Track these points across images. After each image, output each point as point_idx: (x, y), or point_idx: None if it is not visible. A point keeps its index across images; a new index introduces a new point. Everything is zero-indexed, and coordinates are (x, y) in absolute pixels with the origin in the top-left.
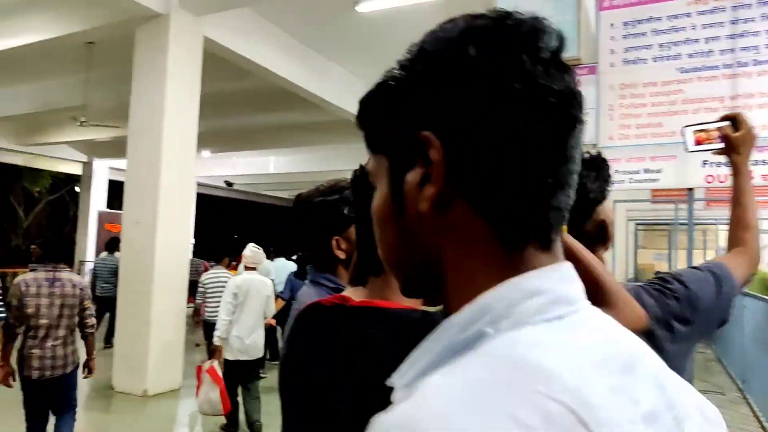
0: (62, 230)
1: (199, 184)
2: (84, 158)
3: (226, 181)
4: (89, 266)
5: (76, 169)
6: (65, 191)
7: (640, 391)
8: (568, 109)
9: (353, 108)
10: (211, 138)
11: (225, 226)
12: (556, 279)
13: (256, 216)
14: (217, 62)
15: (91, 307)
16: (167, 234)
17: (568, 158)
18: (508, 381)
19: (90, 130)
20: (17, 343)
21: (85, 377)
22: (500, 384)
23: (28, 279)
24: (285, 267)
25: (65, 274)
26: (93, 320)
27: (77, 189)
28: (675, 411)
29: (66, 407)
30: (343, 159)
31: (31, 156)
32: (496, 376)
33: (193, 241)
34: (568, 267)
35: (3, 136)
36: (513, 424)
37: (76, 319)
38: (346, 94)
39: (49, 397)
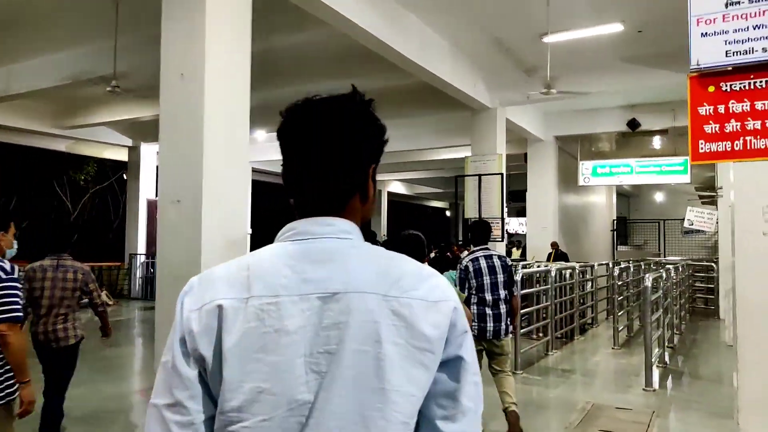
0: (111, 221)
1: (254, 170)
2: (130, 142)
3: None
4: (141, 259)
5: (122, 155)
6: (114, 179)
7: (314, 272)
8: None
9: (436, 68)
10: (266, 114)
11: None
12: (305, 223)
13: None
14: (272, 9)
15: (98, 289)
16: (218, 219)
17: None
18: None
19: (131, 106)
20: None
21: (102, 338)
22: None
23: (36, 266)
24: None
25: (69, 262)
26: (103, 298)
27: (125, 176)
28: (347, 294)
29: (62, 375)
30: (424, 135)
31: (73, 141)
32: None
33: (249, 231)
34: (327, 220)
35: (40, 119)
36: (225, 268)
37: (78, 299)
38: (428, 51)
39: (56, 363)
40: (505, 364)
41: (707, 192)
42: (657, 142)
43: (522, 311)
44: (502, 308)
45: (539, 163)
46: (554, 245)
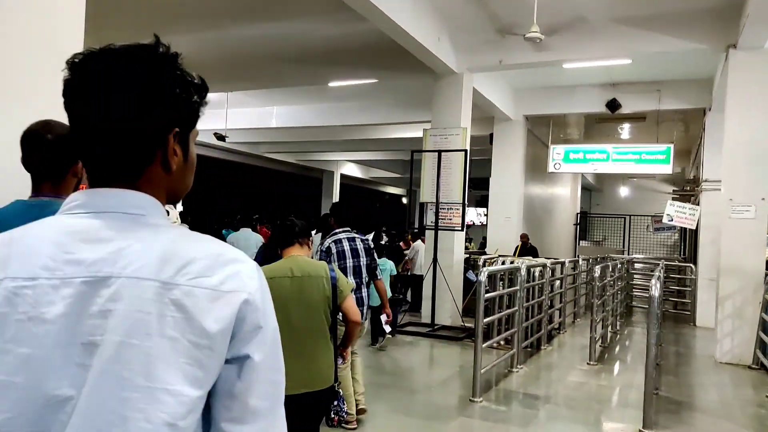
0: None
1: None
2: None
3: (216, 134)
4: None
5: None
6: None
7: (86, 252)
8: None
9: (393, 13)
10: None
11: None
12: (89, 194)
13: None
14: None
15: None
16: None
17: None
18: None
19: None
20: None
21: None
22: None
23: None
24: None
25: None
26: None
27: None
28: (119, 279)
29: None
30: (381, 108)
31: None
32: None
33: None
34: (115, 192)
35: None
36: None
37: None
38: None
39: None
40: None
41: (685, 187)
42: (638, 127)
43: (486, 320)
44: (364, 292)
45: (506, 145)
46: (524, 237)
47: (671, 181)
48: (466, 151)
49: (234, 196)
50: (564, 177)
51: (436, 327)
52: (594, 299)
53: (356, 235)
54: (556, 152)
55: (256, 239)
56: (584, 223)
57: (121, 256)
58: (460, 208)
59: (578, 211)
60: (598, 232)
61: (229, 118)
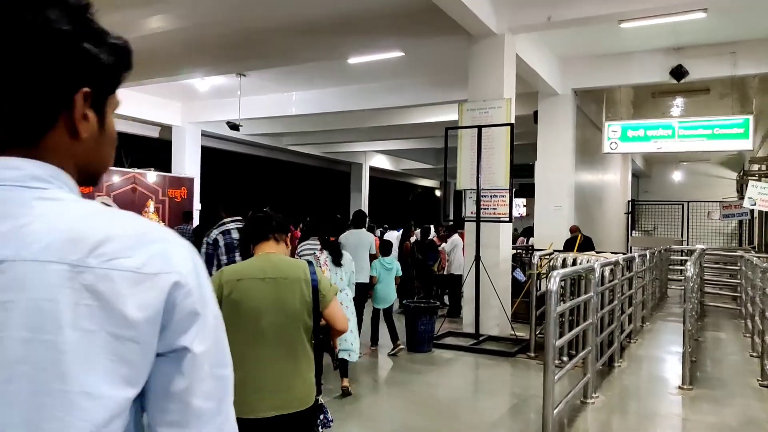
0: None
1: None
2: None
3: (229, 122)
4: None
5: None
6: None
7: None
8: None
9: None
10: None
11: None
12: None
13: (281, 176)
14: None
15: None
16: None
17: None
18: None
19: None
20: None
21: None
22: None
23: None
24: None
25: None
26: None
27: None
28: (15, 263)
29: None
30: (412, 88)
31: None
32: None
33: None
34: (10, 161)
35: None
36: None
37: None
38: None
39: None
40: None
41: (762, 166)
42: (709, 96)
43: (560, 340)
44: None
45: (553, 124)
46: (575, 229)
47: (728, 164)
48: (512, 125)
49: (261, 194)
50: (614, 161)
51: (481, 338)
52: (689, 301)
53: None
54: (612, 130)
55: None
56: (633, 212)
57: (16, 237)
58: (506, 195)
59: (629, 199)
60: (647, 221)
61: (244, 106)
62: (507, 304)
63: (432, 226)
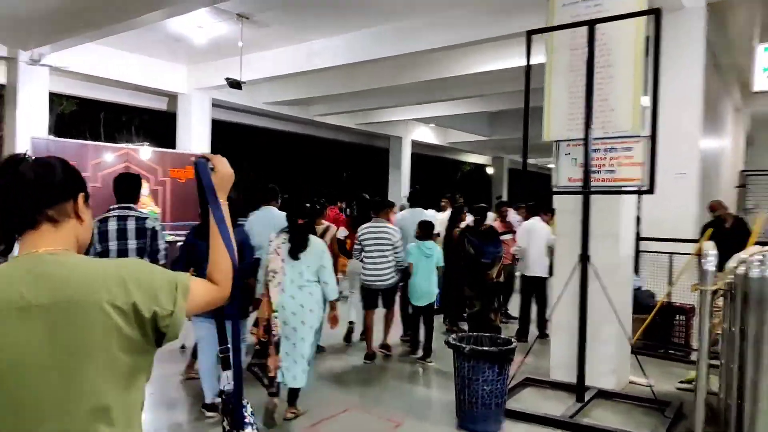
0: None
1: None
2: (4, 51)
3: (228, 79)
4: None
5: None
6: None
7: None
8: None
9: None
10: None
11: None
12: None
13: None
14: None
15: None
16: None
17: None
18: None
19: None
20: None
21: None
22: None
23: None
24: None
25: None
26: None
27: None
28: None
29: None
30: (466, 21)
31: None
32: None
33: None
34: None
35: None
36: None
37: None
38: None
39: None
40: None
41: None
42: None
43: None
44: None
45: (676, 56)
46: (718, 207)
47: None
48: (657, 10)
49: (284, 174)
50: (728, 117)
51: (589, 398)
52: None
53: (133, 213)
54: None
55: (278, 221)
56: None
57: None
58: (641, 145)
59: (742, 169)
60: (753, 197)
61: (254, 63)
62: (628, 326)
63: (493, 207)
